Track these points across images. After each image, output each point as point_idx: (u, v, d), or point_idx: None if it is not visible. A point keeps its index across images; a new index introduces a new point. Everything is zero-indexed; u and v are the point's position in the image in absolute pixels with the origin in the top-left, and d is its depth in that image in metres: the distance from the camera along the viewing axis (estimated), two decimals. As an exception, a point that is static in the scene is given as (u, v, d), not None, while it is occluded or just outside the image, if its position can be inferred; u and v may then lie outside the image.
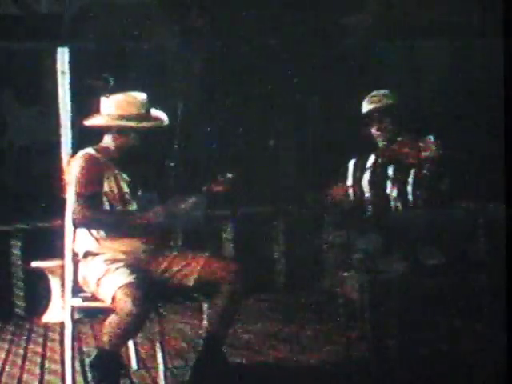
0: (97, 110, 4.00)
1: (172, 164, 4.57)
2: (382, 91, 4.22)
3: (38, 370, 4.56)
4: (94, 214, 3.82)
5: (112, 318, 3.68)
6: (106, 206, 3.88)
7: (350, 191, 4.31)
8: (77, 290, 3.94)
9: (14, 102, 6.90)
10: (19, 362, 4.76)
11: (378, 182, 4.21)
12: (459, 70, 6.69)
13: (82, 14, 6.49)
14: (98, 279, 3.81)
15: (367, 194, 4.23)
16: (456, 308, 4.00)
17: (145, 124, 3.95)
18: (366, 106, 4.20)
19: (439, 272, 4.00)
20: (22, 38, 6.45)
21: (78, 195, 3.81)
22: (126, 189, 3.93)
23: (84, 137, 4.20)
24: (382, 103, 4.16)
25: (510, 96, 3.50)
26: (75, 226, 3.90)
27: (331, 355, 4.52)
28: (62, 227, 4.08)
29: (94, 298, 3.88)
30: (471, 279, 4.14)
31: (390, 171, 4.19)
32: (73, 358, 3.96)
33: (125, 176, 3.94)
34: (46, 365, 4.65)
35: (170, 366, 4.27)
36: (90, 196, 3.82)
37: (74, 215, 3.82)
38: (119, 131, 3.95)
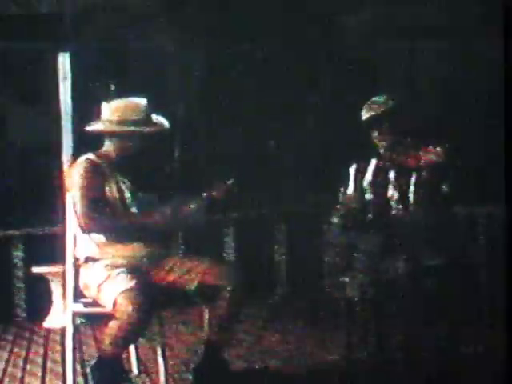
0: (97, 116, 4.00)
1: (173, 168, 4.57)
2: (381, 97, 4.20)
3: (39, 375, 4.57)
4: (101, 218, 3.81)
5: (113, 324, 3.68)
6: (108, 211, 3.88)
7: (352, 194, 4.31)
8: (78, 295, 3.93)
9: (14, 103, 6.90)
10: (20, 368, 4.76)
11: (379, 186, 4.21)
12: (459, 70, 6.69)
13: (82, 14, 6.48)
14: (99, 285, 3.80)
15: (368, 198, 4.23)
16: (456, 308, 4.00)
17: (145, 129, 3.93)
18: (365, 113, 4.17)
19: (439, 272, 4.00)
20: (22, 38, 6.45)
21: (83, 200, 3.80)
22: (127, 194, 3.91)
23: (85, 142, 4.19)
24: (381, 110, 4.13)
25: (510, 97, 3.50)
26: (84, 231, 3.87)
27: (332, 356, 4.52)
28: (63, 232, 4.08)
29: (95, 304, 3.87)
30: (471, 279, 4.14)
31: (392, 176, 4.19)
32: (74, 363, 3.96)
33: (126, 181, 3.93)
34: (48, 371, 4.65)
35: (171, 370, 4.26)
36: (93, 201, 3.81)
37: (81, 222, 3.80)
38: (120, 137, 3.94)
